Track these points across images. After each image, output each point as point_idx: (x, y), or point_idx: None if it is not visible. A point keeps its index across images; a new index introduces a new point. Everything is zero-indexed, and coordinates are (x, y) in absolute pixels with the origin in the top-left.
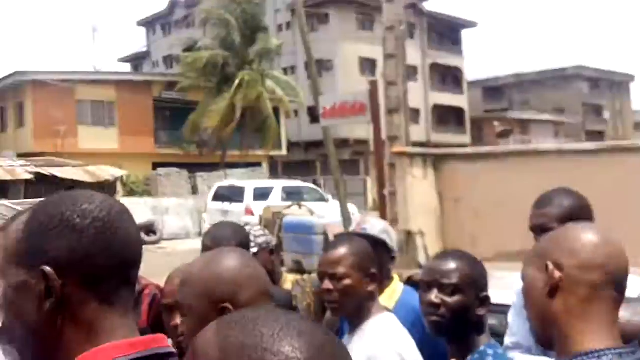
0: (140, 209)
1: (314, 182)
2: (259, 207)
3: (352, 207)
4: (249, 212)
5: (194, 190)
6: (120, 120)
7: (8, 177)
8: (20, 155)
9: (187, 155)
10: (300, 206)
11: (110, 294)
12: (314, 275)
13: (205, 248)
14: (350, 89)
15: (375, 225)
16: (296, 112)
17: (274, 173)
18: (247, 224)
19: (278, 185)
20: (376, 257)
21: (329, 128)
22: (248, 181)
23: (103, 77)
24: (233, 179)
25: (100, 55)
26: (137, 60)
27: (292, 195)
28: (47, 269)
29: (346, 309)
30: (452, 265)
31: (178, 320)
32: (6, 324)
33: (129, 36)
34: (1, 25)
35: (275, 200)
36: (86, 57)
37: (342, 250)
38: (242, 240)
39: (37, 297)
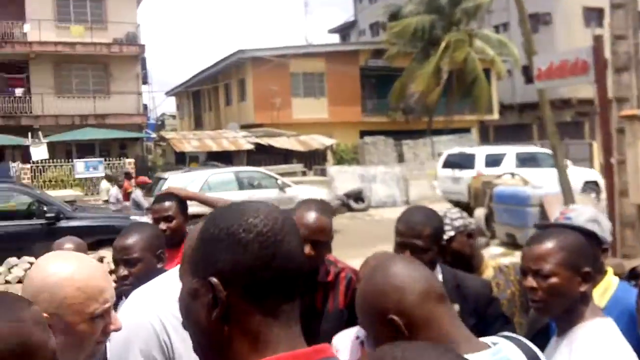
0: (348, 177)
1: None
2: (491, 174)
3: (591, 173)
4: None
5: (400, 158)
6: (330, 90)
7: (232, 148)
8: (243, 127)
9: (393, 122)
10: (513, 175)
11: (274, 307)
12: (518, 262)
13: (399, 233)
14: (571, 44)
15: (581, 213)
16: (509, 72)
17: (484, 139)
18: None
19: (511, 151)
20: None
21: (544, 90)
22: (479, 147)
23: (313, 50)
24: (439, 145)
25: (312, 28)
26: (344, 30)
27: (526, 161)
28: (214, 279)
29: (552, 310)
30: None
31: None
32: (184, 326)
33: (339, 7)
34: (224, 7)
35: (508, 166)
36: (299, 31)
37: (549, 244)
38: (435, 225)
39: (206, 305)
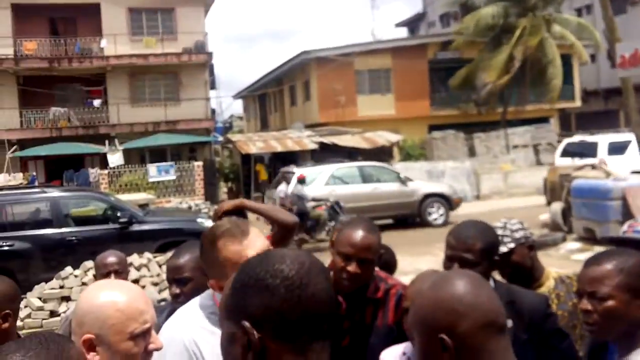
0: (415, 174)
1: None
2: (615, 162)
3: None
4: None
5: (471, 152)
6: (396, 86)
7: (297, 148)
8: (308, 126)
9: (464, 114)
10: (594, 167)
11: (304, 346)
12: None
13: (449, 246)
14: None
15: None
16: (593, 57)
17: (565, 128)
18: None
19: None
20: None
21: (629, 78)
22: (601, 135)
23: (379, 46)
24: (514, 137)
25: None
26: (413, 23)
27: None
28: (246, 324)
29: (607, 334)
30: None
31: None
32: None
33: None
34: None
35: (634, 155)
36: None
37: (607, 265)
38: (488, 240)
39: (242, 348)
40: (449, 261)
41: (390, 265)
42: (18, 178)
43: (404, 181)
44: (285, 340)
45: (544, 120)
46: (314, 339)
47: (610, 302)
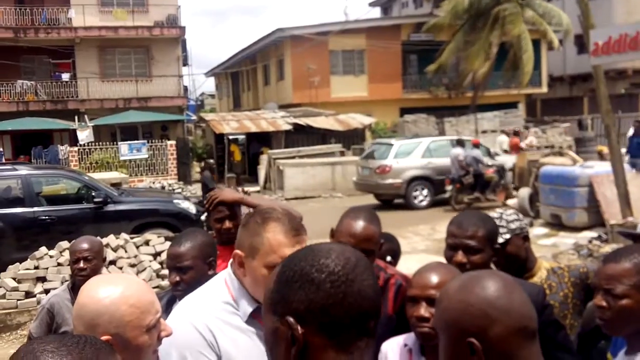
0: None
1: (579, 123)
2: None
3: None
4: None
5: (441, 136)
6: (370, 67)
7: (271, 129)
8: (281, 107)
9: (435, 98)
10: (562, 154)
11: (348, 343)
12: (574, 265)
13: (451, 235)
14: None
15: None
16: (560, 42)
17: (531, 113)
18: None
19: None
20: None
21: (600, 66)
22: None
23: (354, 26)
24: (483, 122)
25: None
26: (387, 3)
27: None
28: (290, 319)
29: (620, 330)
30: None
31: (422, 311)
32: None
33: None
34: None
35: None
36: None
37: (626, 264)
38: (489, 228)
39: (286, 343)
40: (452, 249)
41: (396, 254)
42: None
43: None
44: (329, 335)
45: (512, 105)
46: (358, 336)
47: (626, 301)
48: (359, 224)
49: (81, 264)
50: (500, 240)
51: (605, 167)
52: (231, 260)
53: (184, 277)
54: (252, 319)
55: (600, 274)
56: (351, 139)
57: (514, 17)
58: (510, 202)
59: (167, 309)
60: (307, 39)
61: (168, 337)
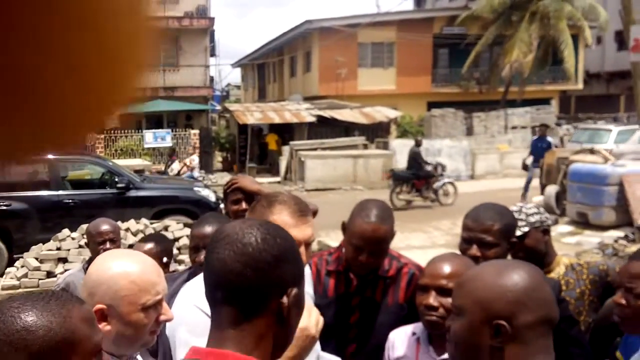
0: None
1: (614, 120)
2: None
3: None
4: None
5: (469, 131)
6: (399, 60)
7: (294, 120)
8: (306, 98)
9: (464, 93)
10: (593, 151)
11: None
12: (593, 262)
13: (467, 228)
14: None
15: None
16: (599, 39)
17: (564, 110)
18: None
19: None
20: None
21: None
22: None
23: (384, 19)
24: (513, 118)
25: None
26: None
27: None
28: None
29: (637, 329)
30: None
31: (431, 300)
32: None
33: None
34: None
35: None
36: None
37: None
38: (506, 222)
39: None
40: (467, 243)
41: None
42: None
43: None
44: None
45: (544, 101)
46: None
47: None
48: (370, 226)
49: (107, 245)
50: (519, 233)
51: (637, 166)
52: None
53: None
54: None
55: (623, 273)
56: (376, 132)
57: (558, 12)
58: (536, 199)
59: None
60: (335, 31)
61: (175, 319)
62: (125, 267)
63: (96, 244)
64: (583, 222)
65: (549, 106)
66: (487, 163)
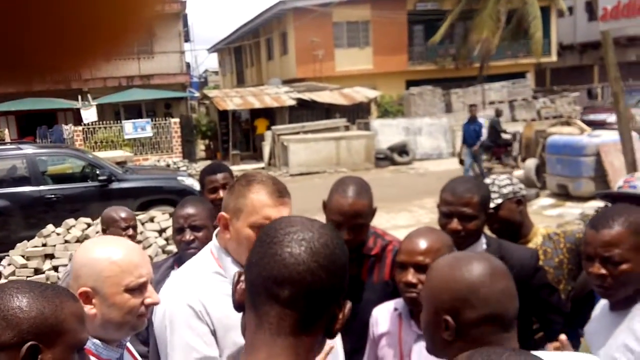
0: (392, 130)
1: (589, 92)
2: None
3: None
4: None
5: (448, 108)
6: (374, 39)
7: (275, 104)
8: (285, 82)
9: (441, 70)
10: (569, 123)
11: (258, 307)
12: (570, 229)
13: (446, 202)
14: None
15: None
16: (570, 10)
17: (540, 83)
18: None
19: None
20: None
21: (609, 32)
22: None
23: None
24: (491, 93)
25: None
26: None
27: None
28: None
29: (619, 295)
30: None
31: (410, 277)
32: None
33: None
34: None
35: None
36: None
37: (618, 227)
38: (483, 193)
39: None
40: (447, 217)
41: None
42: None
43: None
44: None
45: (520, 75)
46: (268, 300)
47: (626, 266)
48: (347, 201)
49: (130, 231)
50: (493, 205)
51: (612, 135)
52: (215, 231)
53: (199, 235)
54: None
55: (594, 241)
56: (356, 113)
57: None
58: (516, 173)
59: (168, 274)
60: (310, 11)
61: (165, 316)
62: (108, 249)
63: (120, 229)
64: (564, 194)
65: (524, 80)
66: None
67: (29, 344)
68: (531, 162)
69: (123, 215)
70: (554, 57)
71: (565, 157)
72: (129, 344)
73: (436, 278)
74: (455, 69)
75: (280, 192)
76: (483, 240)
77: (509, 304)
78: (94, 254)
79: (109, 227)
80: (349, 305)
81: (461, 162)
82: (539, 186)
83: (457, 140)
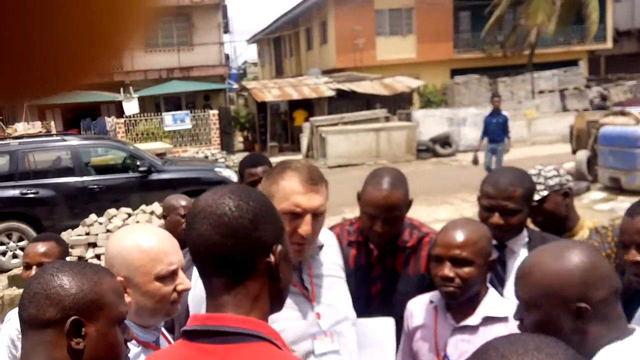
0: (435, 121)
1: None
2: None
3: None
4: None
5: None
6: (418, 26)
7: (313, 95)
8: (325, 72)
9: (489, 58)
10: (624, 113)
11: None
12: (618, 223)
13: (487, 196)
14: None
15: None
16: None
17: (594, 71)
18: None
19: None
20: None
21: None
22: None
23: None
24: (540, 82)
25: None
26: None
27: None
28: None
29: None
30: None
31: (446, 270)
32: None
33: None
34: None
35: None
36: None
37: None
38: (527, 186)
39: None
40: (488, 211)
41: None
42: (37, 126)
43: None
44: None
45: (572, 63)
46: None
47: None
48: (382, 193)
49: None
50: (537, 197)
51: None
52: None
53: None
54: None
55: (630, 229)
56: (398, 103)
57: None
58: (566, 165)
59: None
60: None
61: (197, 294)
62: (138, 238)
63: (180, 217)
64: (616, 188)
65: (577, 67)
66: (514, 131)
67: (72, 318)
68: (582, 154)
69: (183, 203)
70: (609, 44)
71: (619, 148)
72: (162, 329)
73: (550, 275)
74: (504, 57)
75: (313, 180)
76: (525, 233)
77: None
78: (125, 243)
79: (169, 214)
80: (279, 248)
81: (475, 161)
82: (590, 179)
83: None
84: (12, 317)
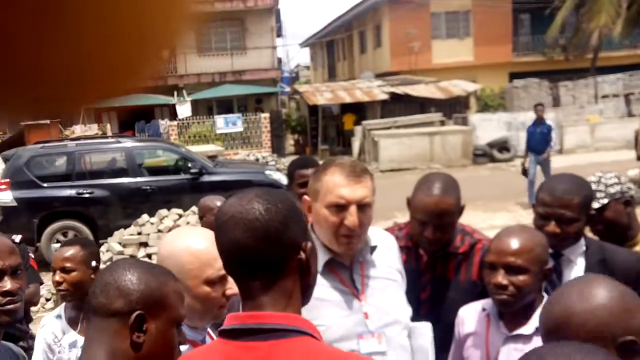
0: (493, 125)
1: None
2: None
3: None
4: None
5: (556, 102)
6: (476, 29)
7: (366, 99)
8: (378, 75)
9: (549, 61)
10: None
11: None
12: None
13: (543, 203)
14: None
15: None
16: None
17: None
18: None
19: None
20: None
21: None
22: None
23: None
24: (604, 86)
25: None
26: None
27: None
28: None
29: None
30: None
31: (500, 278)
32: None
33: None
34: None
35: None
36: None
37: None
38: (585, 194)
39: None
40: (543, 219)
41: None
42: (93, 129)
43: None
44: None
45: (638, 67)
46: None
47: None
48: (433, 199)
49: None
50: (597, 205)
51: None
52: None
53: None
54: (327, 270)
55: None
56: (453, 107)
57: None
58: (630, 172)
59: None
60: (406, 2)
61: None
62: (189, 242)
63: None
64: None
65: None
66: (576, 136)
67: (137, 312)
68: None
69: (219, 204)
70: None
71: None
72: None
73: (584, 319)
74: (565, 60)
75: (356, 172)
76: (582, 242)
77: None
78: (177, 245)
79: (205, 215)
80: (309, 245)
81: (524, 172)
82: None
83: (565, 137)
84: (47, 322)
